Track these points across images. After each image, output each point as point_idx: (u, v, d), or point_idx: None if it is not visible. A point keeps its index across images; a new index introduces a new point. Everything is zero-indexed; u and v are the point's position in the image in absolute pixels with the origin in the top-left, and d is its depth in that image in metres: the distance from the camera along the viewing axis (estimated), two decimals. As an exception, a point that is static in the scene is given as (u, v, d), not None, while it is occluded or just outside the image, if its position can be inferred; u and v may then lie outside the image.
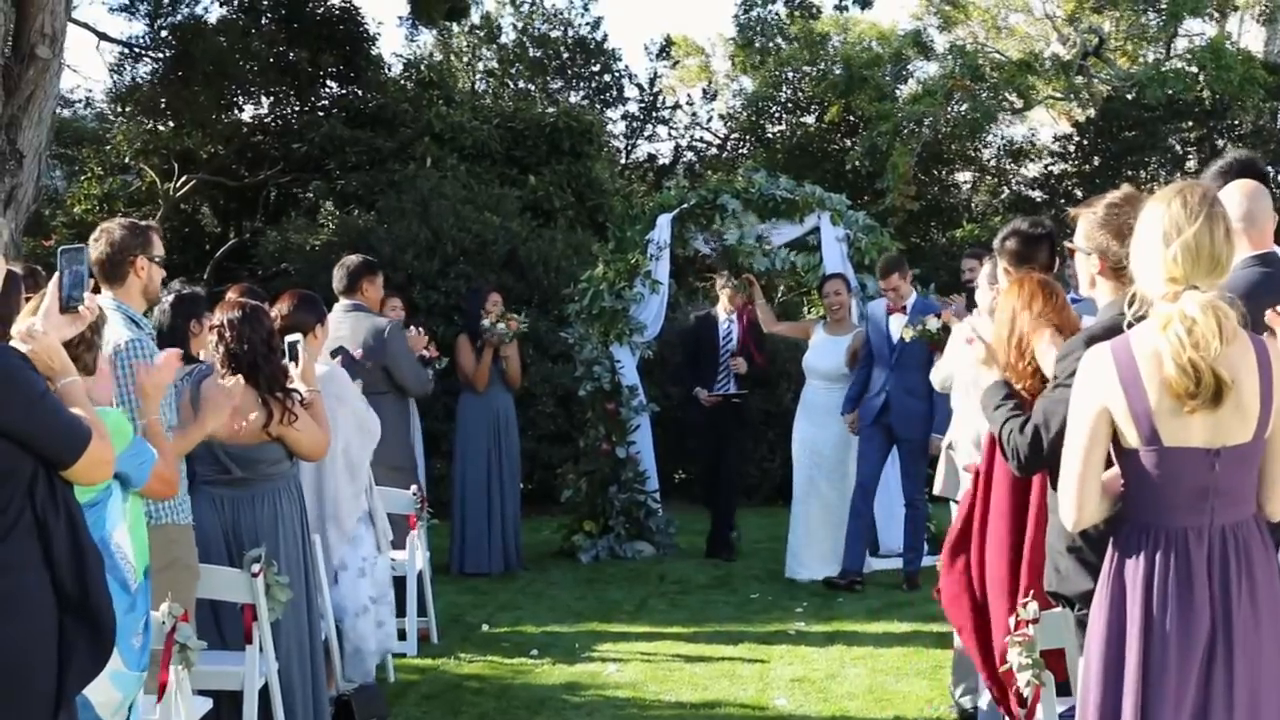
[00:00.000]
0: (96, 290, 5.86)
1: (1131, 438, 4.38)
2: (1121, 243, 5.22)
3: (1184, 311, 4.25)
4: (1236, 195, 5.77)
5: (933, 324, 11.50)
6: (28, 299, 4.99)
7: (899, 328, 11.91)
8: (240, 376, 6.93)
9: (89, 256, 5.00)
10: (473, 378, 12.75)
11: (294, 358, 7.44)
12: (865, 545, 12.42)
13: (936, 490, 8.81)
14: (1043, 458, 5.08)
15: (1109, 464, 4.54)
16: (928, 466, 11.77)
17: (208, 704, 6.65)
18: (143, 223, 6.92)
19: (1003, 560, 6.13)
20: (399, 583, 9.87)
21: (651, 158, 27.04)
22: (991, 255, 8.99)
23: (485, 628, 10.83)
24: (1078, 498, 4.48)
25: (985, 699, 8.17)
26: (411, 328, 11.86)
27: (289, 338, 7.53)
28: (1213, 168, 6.37)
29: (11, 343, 4.60)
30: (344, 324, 10.72)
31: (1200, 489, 4.37)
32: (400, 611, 9.92)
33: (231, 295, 8.47)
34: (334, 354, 9.57)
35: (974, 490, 6.39)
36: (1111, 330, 4.65)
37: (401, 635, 9.89)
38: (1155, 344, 4.32)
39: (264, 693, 7.04)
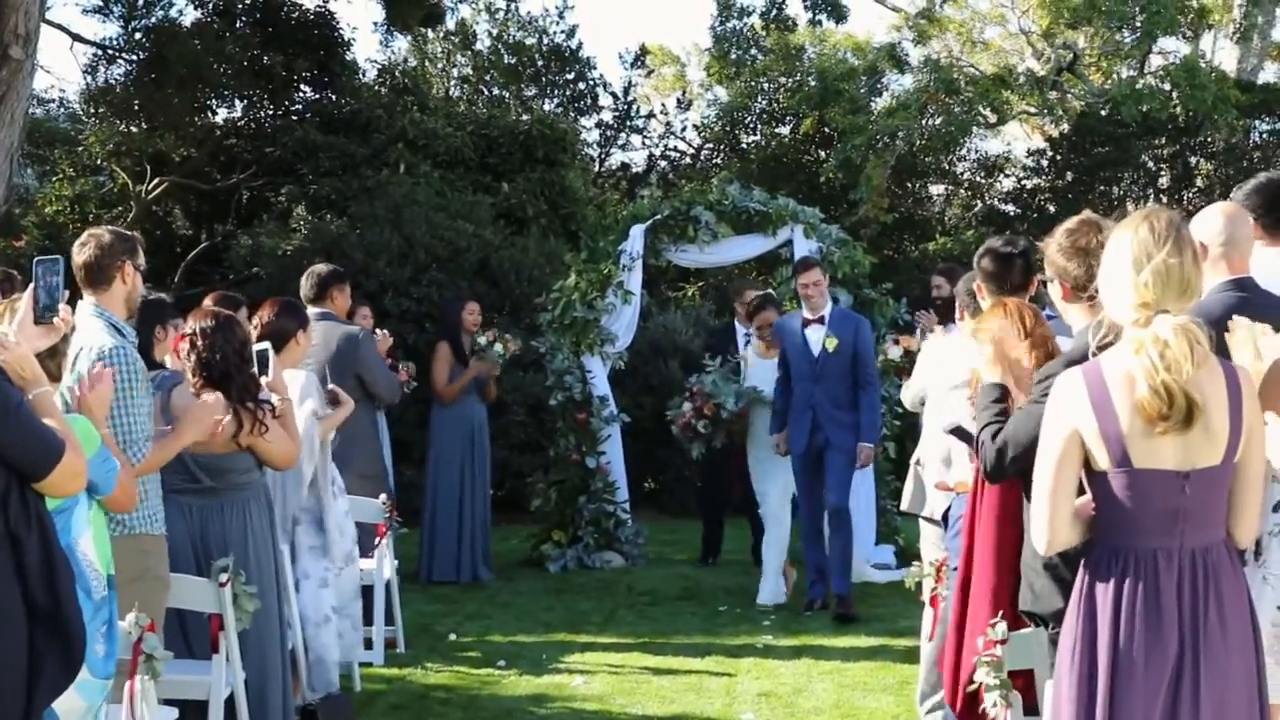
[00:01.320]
0: (71, 301, 5.84)
1: (1102, 460, 4.40)
2: (1078, 263, 5.31)
3: (1157, 334, 4.28)
4: (1219, 218, 5.78)
5: (894, 352, 11.64)
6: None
7: (818, 340, 11.59)
8: (219, 393, 6.92)
9: (64, 268, 4.97)
10: (443, 393, 12.76)
11: (264, 368, 7.42)
12: (825, 575, 11.75)
13: (904, 506, 8.79)
14: (1005, 470, 5.22)
15: (1081, 489, 4.55)
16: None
17: (173, 714, 6.62)
18: (128, 232, 6.92)
19: (987, 576, 6.15)
20: (366, 592, 9.85)
21: (625, 166, 27.06)
22: (961, 272, 9.03)
23: (453, 637, 10.81)
24: (1049, 521, 4.50)
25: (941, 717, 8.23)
26: (378, 330, 11.86)
27: (258, 347, 7.50)
28: (1247, 185, 6.36)
29: None
30: (315, 332, 10.67)
31: (1170, 511, 4.39)
32: (368, 620, 9.90)
33: (207, 303, 8.46)
34: None
35: (970, 506, 6.40)
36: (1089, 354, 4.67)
37: (369, 644, 9.86)
38: (1127, 367, 4.34)
39: (230, 703, 7.01)
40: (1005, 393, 5.61)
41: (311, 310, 10.80)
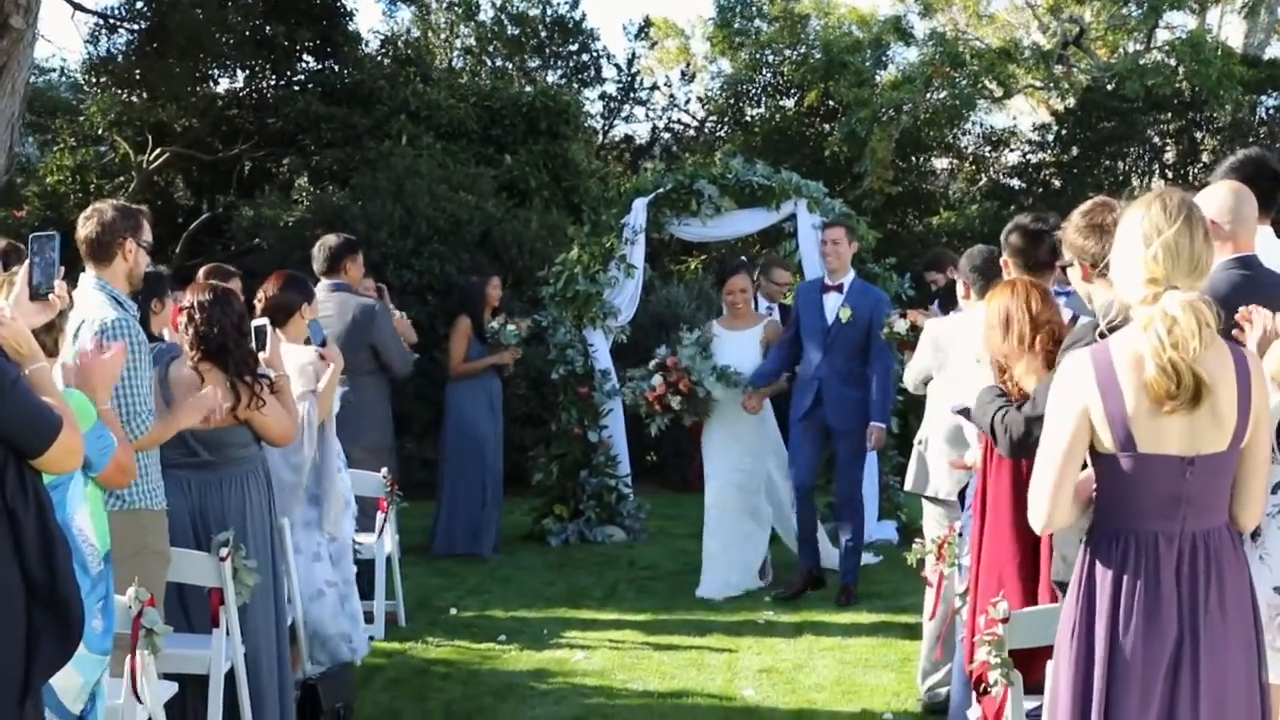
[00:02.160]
0: (66, 276, 5.82)
1: (1107, 442, 4.37)
2: (1095, 241, 5.31)
3: (1165, 310, 4.25)
4: (1228, 195, 5.74)
5: (900, 325, 10.89)
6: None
7: (834, 307, 11.08)
8: (221, 388, 6.92)
9: (60, 244, 4.95)
10: (457, 370, 12.73)
11: (261, 343, 7.40)
12: (815, 542, 11.44)
13: (908, 487, 8.75)
14: (1031, 439, 5.18)
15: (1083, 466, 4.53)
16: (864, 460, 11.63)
17: (173, 688, 6.61)
18: (134, 206, 6.91)
19: (1001, 554, 6.14)
20: (367, 566, 9.84)
21: (628, 138, 26.99)
22: (950, 256, 9.00)
23: (453, 611, 10.79)
24: (1050, 500, 4.47)
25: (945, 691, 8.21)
26: (398, 312, 11.82)
27: (256, 322, 7.49)
28: (1225, 163, 6.35)
29: None
30: (329, 303, 10.67)
31: (1173, 496, 4.36)
32: (368, 594, 9.90)
33: (200, 276, 8.43)
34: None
35: (980, 488, 6.38)
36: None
37: (369, 619, 9.87)
38: (1135, 348, 4.32)
39: (230, 676, 7.00)
40: (1003, 391, 5.66)
41: (325, 282, 10.84)
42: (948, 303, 12.26)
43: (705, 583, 11.50)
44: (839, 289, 11.14)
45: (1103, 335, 4.54)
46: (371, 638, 9.76)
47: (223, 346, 7.09)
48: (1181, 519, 4.38)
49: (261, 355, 7.38)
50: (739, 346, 11.55)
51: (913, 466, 8.53)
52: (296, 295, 8.54)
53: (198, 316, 7.14)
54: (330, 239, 11.24)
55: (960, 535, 7.16)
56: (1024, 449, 5.32)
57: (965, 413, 6.74)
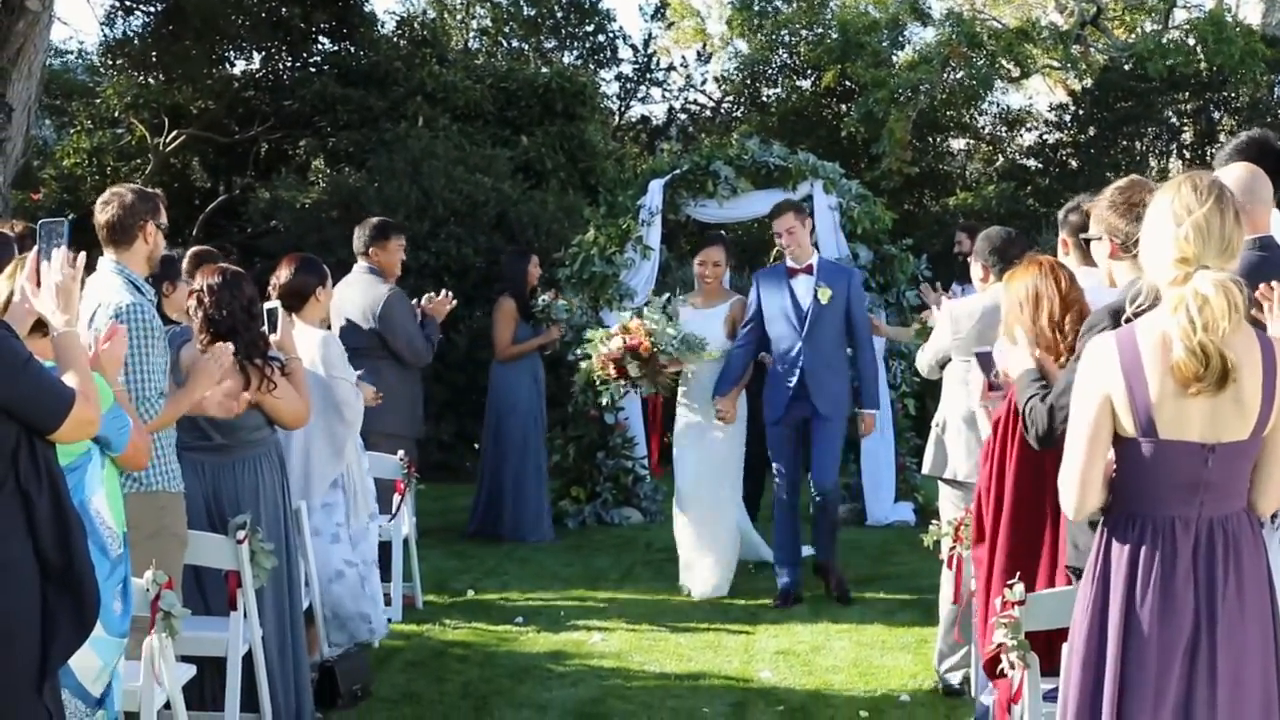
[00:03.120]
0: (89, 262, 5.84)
1: (1129, 427, 4.36)
2: (1127, 220, 5.27)
3: (1196, 289, 4.22)
4: (1245, 175, 5.73)
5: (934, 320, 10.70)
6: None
7: (807, 291, 10.40)
8: (229, 343, 6.91)
9: (69, 230, 4.96)
10: (504, 353, 12.66)
11: (273, 326, 7.41)
12: (799, 558, 10.70)
13: (925, 469, 8.69)
14: (1055, 432, 5.15)
15: None
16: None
17: (191, 670, 6.63)
18: (150, 190, 6.94)
19: (1018, 535, 6.14)
20: (384, 548, 9.86)
21: (645, 119, 26.94)
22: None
23: (470, 594, 10.80)
24: (1080, 485, 4.45)
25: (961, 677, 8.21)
26: (435, 293, 11.55)
27: (268, 305, 7.51)
28: (1229, 145, 6.33)
29: (43, 275, 4.62)
30: (356, 286, 10.73)
31: (1192, 483, 4.35)
32: (386, 576, 9.92)
33: (186, 263, 8.48)
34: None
35: (986, 471, 6.36)
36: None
37: (387, 601, 9.89)
38: (1161, 332, 4.30)
39: (247, 659, 7.02)
40: (1041, 373, 5.60)
41: (357, 264, 10.86)
42: (966, 270, 12.31)
43: (698, 581, 10.85)
44: (808, 270, 10.48)
45: (1127, 319, 4.52)
46: (389, 620, 9.79)
47: (232, 329, 7.11)
48: (1199, 504, 4.37)
49: (273, 338, 7.39)
50: (705, 326, 10.75)
51: (930, 449, 8.49)
52: (311, 278, 8.55)
53: (207, 300, 7.16)
54: (369, 221, 11.22)
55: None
56: (1049, 440, 5.27)
57: (982, 357, 6.68)
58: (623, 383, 11.00)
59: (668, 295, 11.25)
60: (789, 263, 10.53)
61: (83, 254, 4.99)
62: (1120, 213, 5.40)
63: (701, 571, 10.83)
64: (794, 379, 10.36)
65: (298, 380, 7.44)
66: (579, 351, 12.79)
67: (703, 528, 10.86)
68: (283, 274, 8.50)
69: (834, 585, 10.67)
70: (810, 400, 10.36)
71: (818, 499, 10.59)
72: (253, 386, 7.11)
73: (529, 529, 12.62)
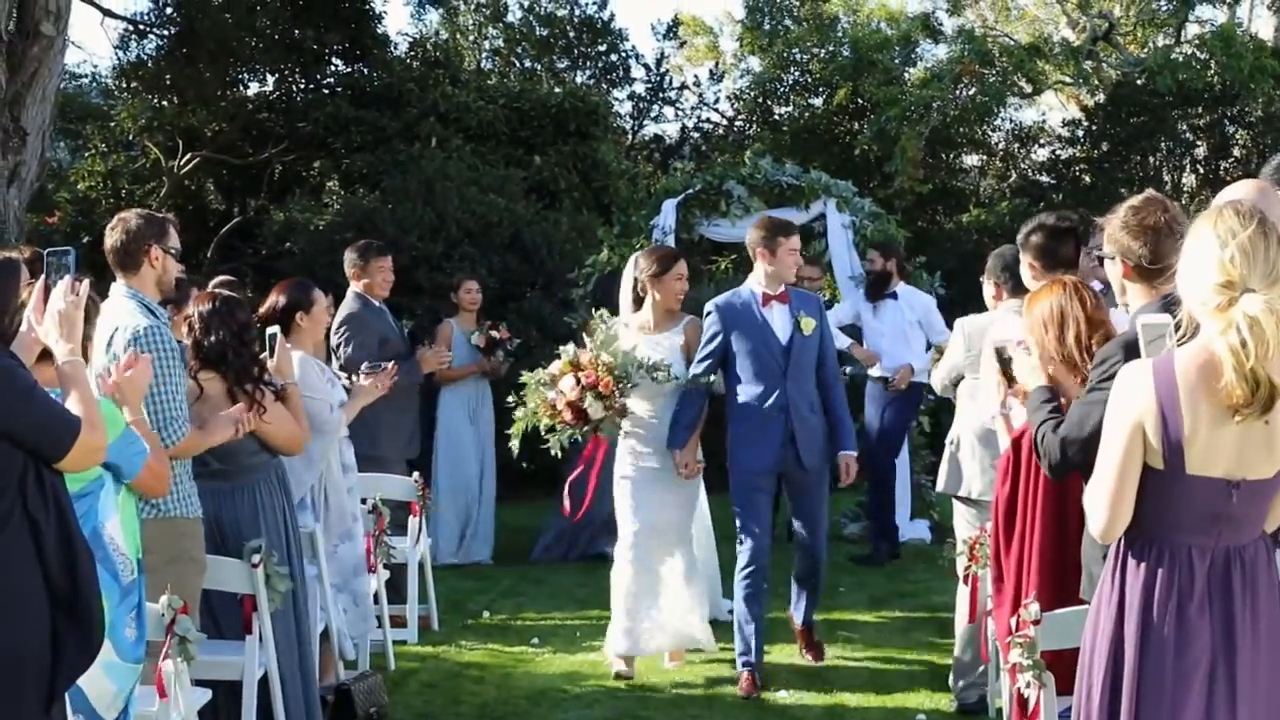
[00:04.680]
0: (96, 286, 5.86)
1: (1155, 458, 4.30)
2: (1143, 242, 5.20)
3: (1245, 312, 4.11)
4: (1252, 192, 5.69)
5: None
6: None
7: (785, 322, 8.98)
8: (242, 405, 6.96)
9: (75, 260, 4.98)
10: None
11: (271, 351, 7.45)
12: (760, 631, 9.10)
13: (940, 487, 8.65)
14: (1068, 463, 5.10)
15: None
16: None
17: (206, 695, 6.64)
18: (159, 214, 6.96)
19: (1034, 556, 6.12)
20: (399, 570, 9.87)
21: (658, 138, 26.92)
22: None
23: (486, 615, 10.80)
24: (1109, 511, 4.38)
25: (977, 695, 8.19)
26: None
27: (270, 330, 7.54)
28: (1272, 163, 6.27)
29: (50, 300, 4.65)
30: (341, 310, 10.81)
31: (1214, 515, 4.31)
32: (401, 599, 9.93)
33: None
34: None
35: (1006, 487, 6.32)
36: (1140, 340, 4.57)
37: (403, 622, 9.91)
38: (1202, 361, 4.21)
39: (262, 682, 7.03)
40: (1055, 394, 5.55)
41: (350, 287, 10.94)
42: (876, 289, 12.33)
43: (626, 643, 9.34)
44: (782, 299, 9.02)
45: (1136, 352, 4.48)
46: (405, 641, 9.80)
47: (221, 355, 7.13)
48: (1217, 535, 4.34)
49: (269, 363, 7.42)
50: (658, 353, 9.19)
51: (944, 467, 8.46)
52: (293, 304, 8.48)
53: (197, 326, 7.21)
54: (354, 245, 11.35)
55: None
56: (1061, 472, 5.23)
57: (1000, 354, 6.65)
58: (582, 427, 9.19)
59: (602, 313, 9.47)
60: (760, 288, 9.03)
61: (86, 282, 5.01)
62: (1134, 234, 5.26)
63: (654, 630, 9.32)
64: (781, 423, 8.88)
65: (294, 406, 7.44)
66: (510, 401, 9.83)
67: (658, 580, 9.36)
68: (270, 299, 8.52)
69: (813, 652, 9.52)
70: (796, 448, 8.91)
71: (809, 562, 9.26)
72: (251, 411, 7.12)
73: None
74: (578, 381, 8.99)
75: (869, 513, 13.14)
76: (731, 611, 9.51)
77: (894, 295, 12.59)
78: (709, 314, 9.07)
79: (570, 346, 9.25)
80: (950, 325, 9.82)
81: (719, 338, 8.96)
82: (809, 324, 8.94)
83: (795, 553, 9.42)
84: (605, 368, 8.97)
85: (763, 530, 9.05)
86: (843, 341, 12.09)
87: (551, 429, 9.26)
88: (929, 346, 12.48)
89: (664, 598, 9.34)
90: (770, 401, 8.88)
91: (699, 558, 9.73)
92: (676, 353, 9.22)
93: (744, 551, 9.04)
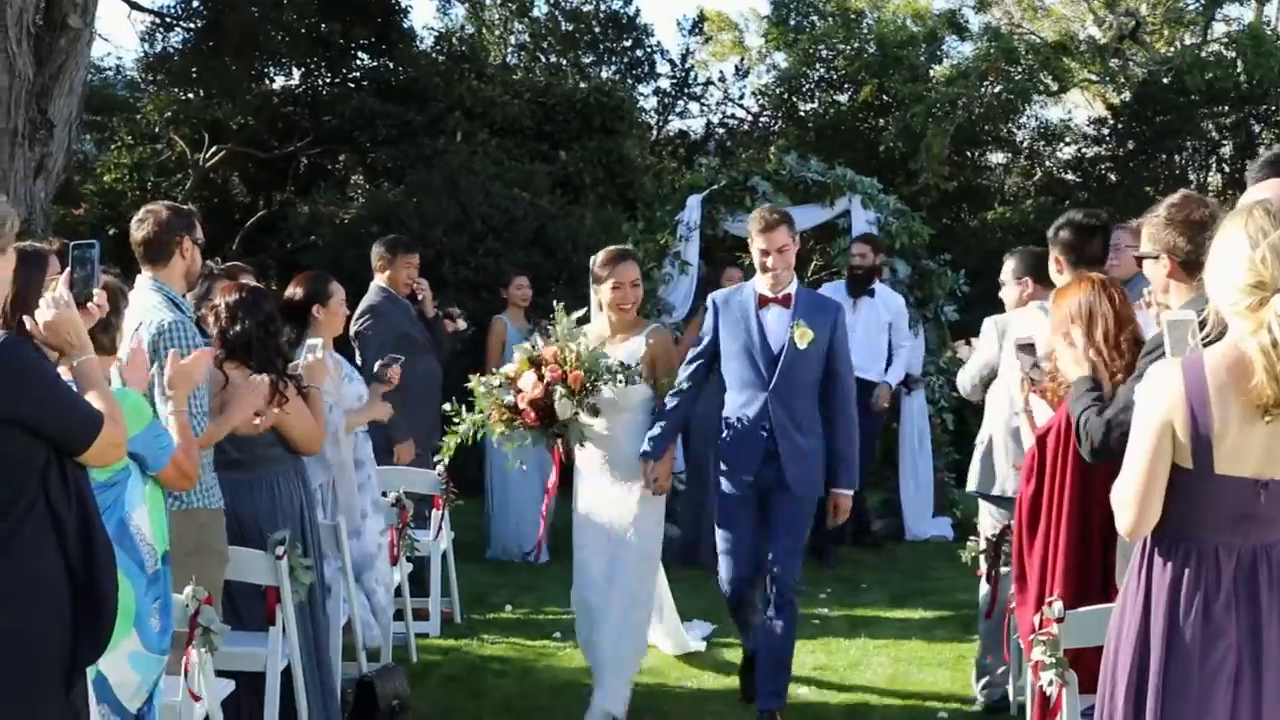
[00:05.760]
0: (122, 277, 5.88)
1: (1186, 457, 4.28)
2: (1188, 238, 5.17)
3: (1277, 311, 4.10)
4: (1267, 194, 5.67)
5: (965, 352, 9.15)
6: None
7: (781, 329, 7.97)
8: (265, 375, 6.95)
9: (99, 253, 5.00)
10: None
11: (301, 350, 7.53)
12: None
13: (971, 488, 8.43)
14: (1111, 448, 5.10)
15: None
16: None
17: (230, 685, 6.65)
18: (184, 206, 6.98)
19: (1060, 554, 6.10)
20: (422, 563, 9.89)
21: (683, 134, 26.90)
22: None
23: (508, 609, 10.81)
24: (1138, 509, 4.36)
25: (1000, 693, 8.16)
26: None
27: (309, 342, 7.60)
28: (1260, 159, 6.24)
29: (36, 312, 4.64)
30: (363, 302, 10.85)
31: (1242, 515, 4.29)
32: (423, 592, 9.94)
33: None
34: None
35: (1026, 485, 6.30)
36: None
37: (425, 616, 9.93)
38: (1231, 361, 4.20)
39: (285, 674, 7.05)
40: (1098, 383, 5.54)
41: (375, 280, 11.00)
42: (859, 284, 12.25)
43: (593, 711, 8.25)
44: (783, 302, 8.03)
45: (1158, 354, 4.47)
46: (427, 634, 9.82)
47: (245, 345, 7.15)
48: (1245, 534, 4.32)
49: (299, 363, 7.45)
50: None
51: (975, 466, 8.31)
52: (306, 298, 8.53)
53: (223, 315, 7.22)
54: (380, 240, 11.40)
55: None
56: (1104, 455, 5.21)
57: (1026, 347, 6.62)
58: (548, 429, 8.07)
59: (564, 305, 8.19)
60: (761, 289, 8.08)
61: (103, 283, 5.03)
62: (1180, 230, 5.25)
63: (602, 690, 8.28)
64: (761, 440, 7.94)
65: (316, 407, 7.46)
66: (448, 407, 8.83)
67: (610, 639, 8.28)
68: (288, 291, 8.57)
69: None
70: (780, 466, 7.92)
71: (773, 596, 8.02)
72: (272, 402, 7.12)
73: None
74: (540, 378, 7.89)
75: (894, 509, 13.13)
76: (706, 639, 9.46)
77: (871, 293, 12.56)
78: (706, 308, 8.33)
79: (526, 343, 8.20)
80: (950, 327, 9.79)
81: (711, 334, 8.16)
82: (804, 335, 7.84)
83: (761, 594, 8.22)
84: (574, 360, 7.85)
85: (742, 555, 8.08)
86: None
87: (507, 438, 8.22)
88: (889, 353, 12.50)
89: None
90: (751, 414, 7.97)
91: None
92: (640, 366, 8.07)
93: (723, 581, 8.20)
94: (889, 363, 12.62)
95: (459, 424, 8.33)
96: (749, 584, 8.16)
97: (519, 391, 7.95)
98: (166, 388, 5.59)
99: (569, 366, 7.82)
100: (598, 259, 8.32)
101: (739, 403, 8.01)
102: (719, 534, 8.17)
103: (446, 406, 8.59)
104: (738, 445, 8.00)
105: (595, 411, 7.94)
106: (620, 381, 7.81)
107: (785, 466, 7.87)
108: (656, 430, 8.06)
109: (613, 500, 8.22)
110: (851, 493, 8.14)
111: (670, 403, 8.10)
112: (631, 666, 8.31)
